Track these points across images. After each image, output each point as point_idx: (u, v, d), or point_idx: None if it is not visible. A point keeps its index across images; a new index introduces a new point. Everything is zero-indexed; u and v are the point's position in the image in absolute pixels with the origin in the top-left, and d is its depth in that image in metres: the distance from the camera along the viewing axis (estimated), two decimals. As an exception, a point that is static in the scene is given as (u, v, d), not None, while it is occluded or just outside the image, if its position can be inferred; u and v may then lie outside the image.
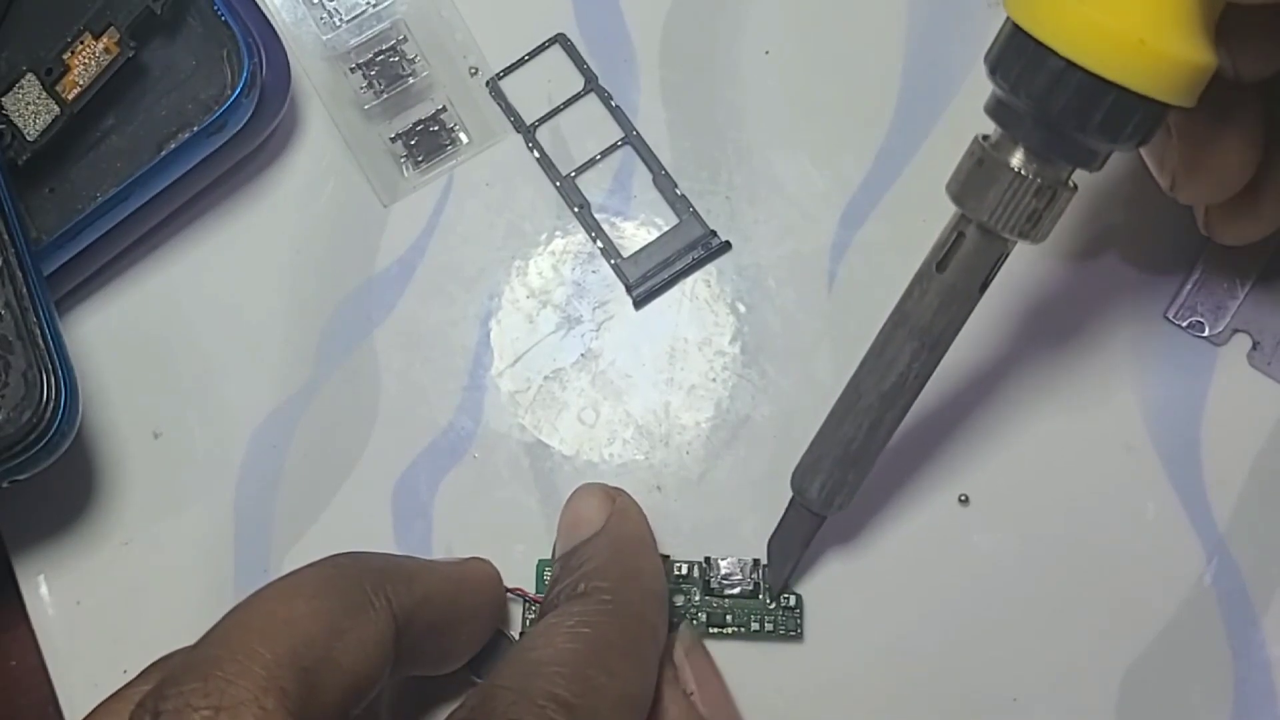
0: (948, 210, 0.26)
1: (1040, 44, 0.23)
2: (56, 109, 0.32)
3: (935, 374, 0.32)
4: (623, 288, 0.34)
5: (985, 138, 0.25)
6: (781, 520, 0.30)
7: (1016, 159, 0.24)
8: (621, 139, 0.35)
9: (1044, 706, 0.31)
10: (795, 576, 0.31)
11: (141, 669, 0.33)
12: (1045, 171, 0.24)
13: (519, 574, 0.32)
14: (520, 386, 0.34)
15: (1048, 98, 0.23)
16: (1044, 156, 0.24)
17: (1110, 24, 0.22)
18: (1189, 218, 0.32)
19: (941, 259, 0.26)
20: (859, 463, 0.28)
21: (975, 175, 0.25)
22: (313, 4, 0.36)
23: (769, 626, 0.31)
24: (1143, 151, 0.28)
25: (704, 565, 0.32)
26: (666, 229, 0.34)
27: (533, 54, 0.35)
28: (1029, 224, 0.25)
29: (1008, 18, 0.24)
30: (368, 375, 0.34)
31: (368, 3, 0.35)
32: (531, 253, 0.34)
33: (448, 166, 0.35)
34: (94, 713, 0.25)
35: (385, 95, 0.35)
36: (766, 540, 0.31)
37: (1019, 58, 0.23)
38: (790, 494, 0.30)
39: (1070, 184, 0.25)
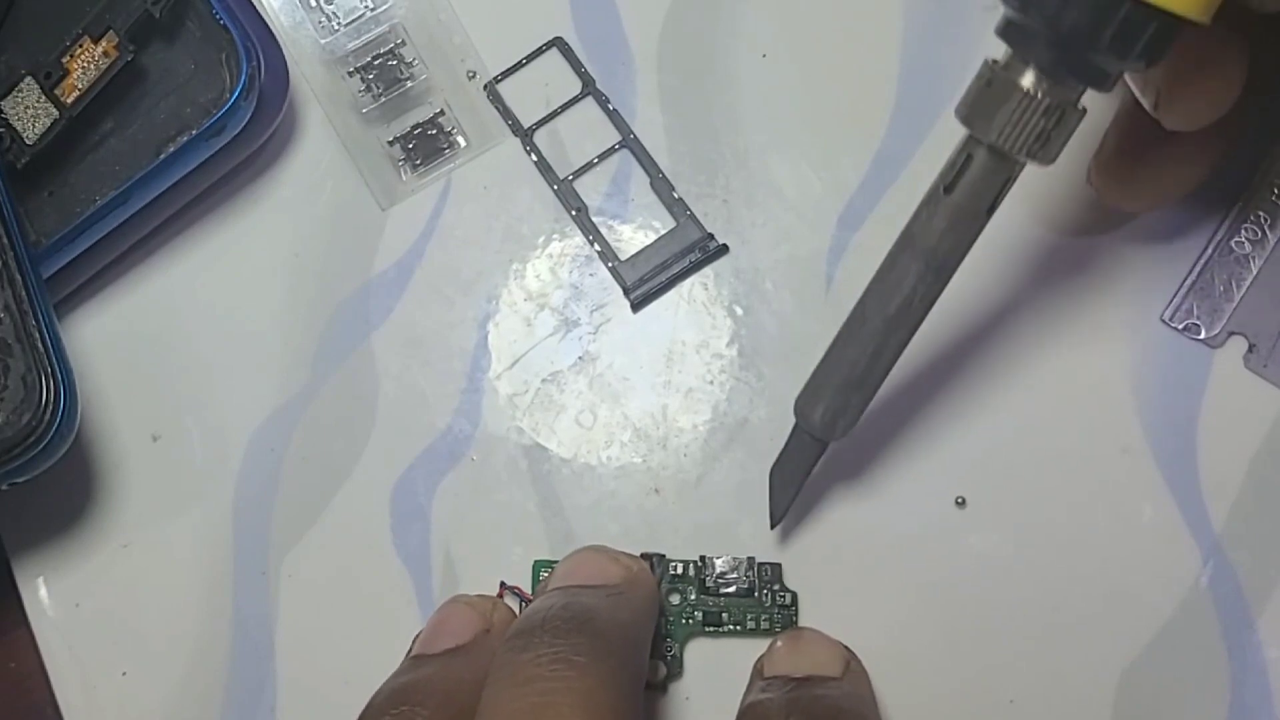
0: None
1: None
2: (55, 112, 0.32)
3: (933, 374, 0.32)
4: (620, 290, 0.34)
5: (995, 61, 0.25)
6: (784, 447, 0.30)
7: (1027, 79, 0.24)
8: (619, 142, 0.35)
9: (1041, 708, 0.31)
10: (794, 507, 0.31)
11: (139, 670, 0.33)
12: (1055, 91, 0.24)
13: (516, 575, 0.32)
14: (518, 389, 0.34)
15: (1059, 14, 0.23)
16: (1054, 76, 0.24)
17: None
18: (1186, 220, 0.32)
19: (950, 181, 0.26)
20: (862, 387, 0.28)
21: (984, 96, 0.25)
22: (311, 8, 0.36)
23: (765, 624, 0.31)
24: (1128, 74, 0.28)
25: (699, 564, 0.32)
26: (664, 232, 0.34)
27: (530, 57, 0.35)
28: (1038, 144, 0.25)
29: None
30: (366, 378, 0.34)
31: (366, 6, 0.36)
32: (529, 256, 0.34)
33: (446, 170, 0.35)
34: None
35: (383, 99, 0.35)
36: (764, 543, 0.31)
37: None
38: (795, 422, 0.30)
39: (1079, 106, 0.25)
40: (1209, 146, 0.28)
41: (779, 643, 0.30)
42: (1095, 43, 0.23)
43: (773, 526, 0.31)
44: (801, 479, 0.30)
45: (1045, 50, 0.24)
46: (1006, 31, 0.25)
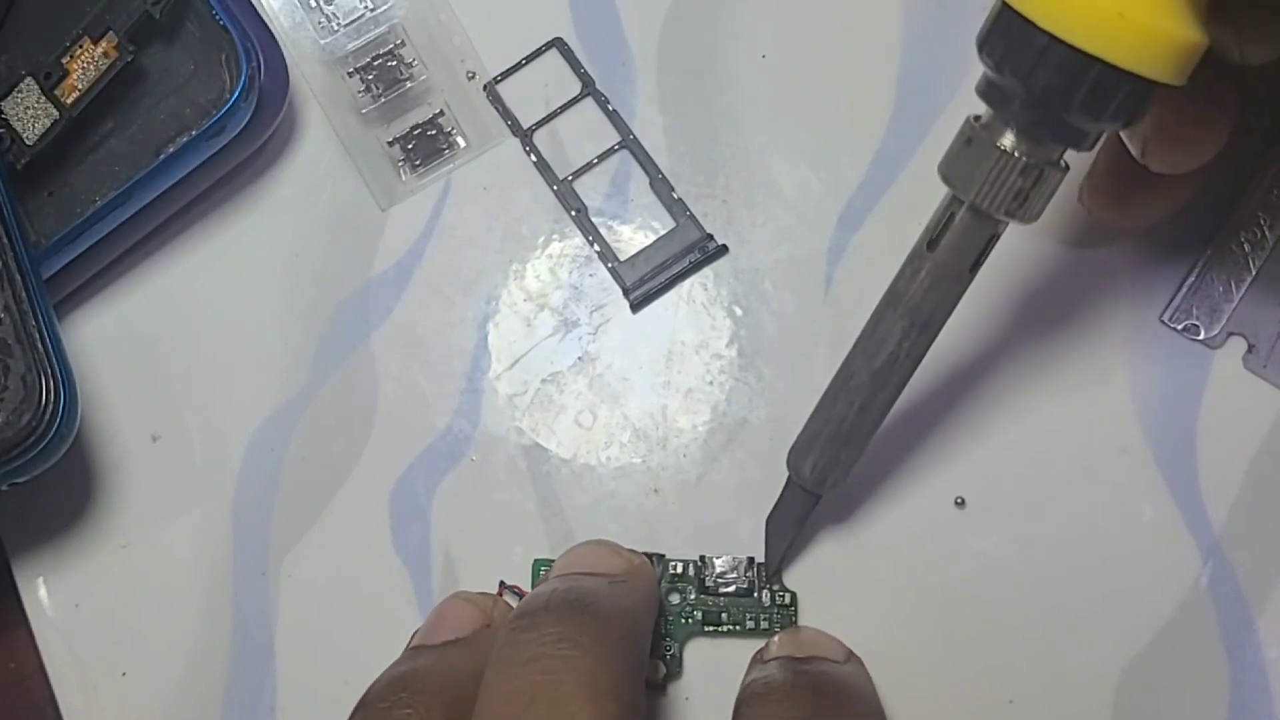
0: (944, 214, 0.26)
1: (1026, 20, 0.23)
2: (55, 113, 0.32)
3: (932, 376, 0.32)
4: (620, 291, 0.34)
5: (977, 118, 0.25)
6: (779, 499, 0.31)
7: (1005, 139, 0.24)
8: (618, 143, 0.35)
9: (1040, 709, 0.31)
10: (791, 556, 0.32)
11: (139, 670, 0.33)
12: (1035, 151, 0.24)
13: (517, 575, 0.32)
14: (518, 389, 0.34)
15: (1032, 75, 0.23)
16: (1033, 136, 0.24)
17: None
18: (1185, 221, 0.32)
19: (933, 239, 0.26)
20: (851, 442, 0.29)
21: (964, 154, 0.25)
22: (311, 8, 0.36)
23: (764, 624, 0.31)
24: None
25: (699, 564, 0.32)
26: (663, 232, 0.34)
27: (530, 58, 0.35)
28: (1016, 203, 0.25)
29: None
30: (365, 378, 0.34)
31: (365, 7, 0.36)
32: (529, 256, 0.34)
33: (445, 170, 0.35)
34: None
35: (383, 99, 0.35)
36: (762, 542, 0.31)
37: (1005, 35, 0.23)
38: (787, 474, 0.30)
39: (1061, 164, 0.25)
40: (1199, 172, 0.28)
41: (778, 636, 0.31)
42: (1068, 104, 0.23)
43: (769, 577, 0.31)
44: (795, 530, 0.31)
45: (1022, 110, 0.24)
46: (986, 92, 0.25)
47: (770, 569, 0.31)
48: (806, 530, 0.31)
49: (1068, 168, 0.25)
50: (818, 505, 0.30)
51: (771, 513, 0.31)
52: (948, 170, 0.25)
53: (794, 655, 0.29)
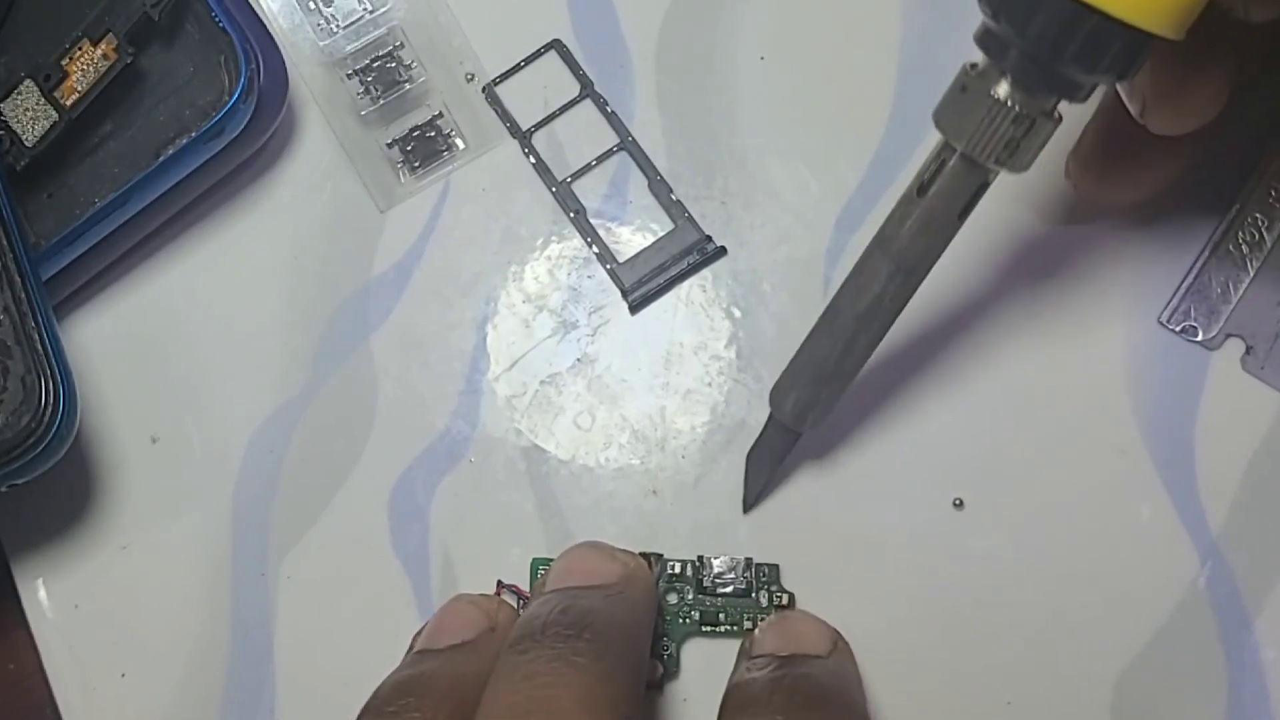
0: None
1: None
2: (55, 115, 0.32)
3: (932, 377, 0.32)
4: (618, 292, 0.34)
5: (973, 66, 0.25)
6: (760, 435, 0.31)
7: (999, 88, 0.24)
8: (617, 145, 0.35)
9: (1039, 710, 0.31)
10: (768, 492, 0.32)
11: (139, 671, 0.33)
12: (1028, 101, 0.24)
13: (515, 575, 0.32)
14: (516, 391, 0.34)
15: (1026, 23, 0.23)
16: (1027, 86, 0.24)
17: None
18: (1183, 222, 0.32)
19: (923, 184, 0.26)
20: (833, 381, 0.29)
21: (957, 102, 0.25)
22: (310, 10, 0.36)
23: (762, 627, 0.31)
24: None
25: (697, 564, 0.32)
26: (662, 234, 0.34)
27: (529, 60, 0.35)
28: (1006, 152, 0.25)
29: None
30: (364, 380, 0.34)
31: (364, 9, 0.36)
32: (528, 258, 0.35)
33: (444, 172, 0.35)
34: None
35: (382, 101, 0.35)
36: (761, 544, 0.31)
37: None
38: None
39: (1055, 115, 0.25)
40: (1187, 144, 0.28)
41: (766, 622, 0.31)
42: (1062, 54, 0.23)
43: (745, 511, 0.32)
44: (774, 466, 0.31)
45: (1017, 60, 0.24)
46: (984, 40, 0.25)
47: (748, 502, 0.32)
48: (785, 467, 0.32)
49: (1060, 119, 0.25)
50: (795, 444, 0.31)
51: (752, 448, 0.31)
52: (941, 117, 0.26)
53: (777, 652, 0.29)
